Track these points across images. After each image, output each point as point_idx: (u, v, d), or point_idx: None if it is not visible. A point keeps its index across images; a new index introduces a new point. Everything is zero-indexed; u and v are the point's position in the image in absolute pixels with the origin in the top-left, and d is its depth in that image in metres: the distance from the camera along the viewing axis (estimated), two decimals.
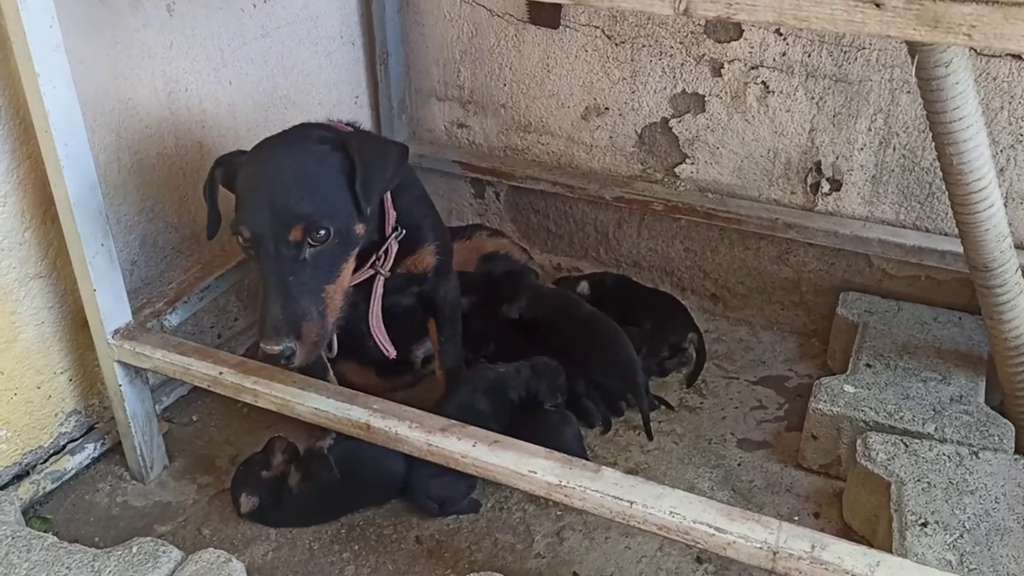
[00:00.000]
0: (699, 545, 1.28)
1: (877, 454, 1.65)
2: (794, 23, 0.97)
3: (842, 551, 1.21)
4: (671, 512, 1.29)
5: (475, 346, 2.03)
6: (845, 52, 1.98)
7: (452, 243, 1.90)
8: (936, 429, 1.71)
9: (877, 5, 0.92)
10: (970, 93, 1.48)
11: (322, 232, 1.43)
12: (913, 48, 1.45)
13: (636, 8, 1.04)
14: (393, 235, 1.64)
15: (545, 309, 2.09)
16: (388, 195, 1.64)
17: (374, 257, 1.62)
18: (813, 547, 1.22)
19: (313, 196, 1.44)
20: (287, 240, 1.42)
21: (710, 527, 1.27)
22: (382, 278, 1.63)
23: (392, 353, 1.67)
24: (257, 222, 1.43)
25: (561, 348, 1.99)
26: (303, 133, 1.57)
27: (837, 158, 2.10)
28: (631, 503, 1.31)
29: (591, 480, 1.35)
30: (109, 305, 1.64)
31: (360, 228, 1.51)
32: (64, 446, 1.82)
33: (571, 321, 2.04)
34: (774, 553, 1.23)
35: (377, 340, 1.65)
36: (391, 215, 1.64)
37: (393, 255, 1.64)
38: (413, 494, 1.74)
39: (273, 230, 1.42)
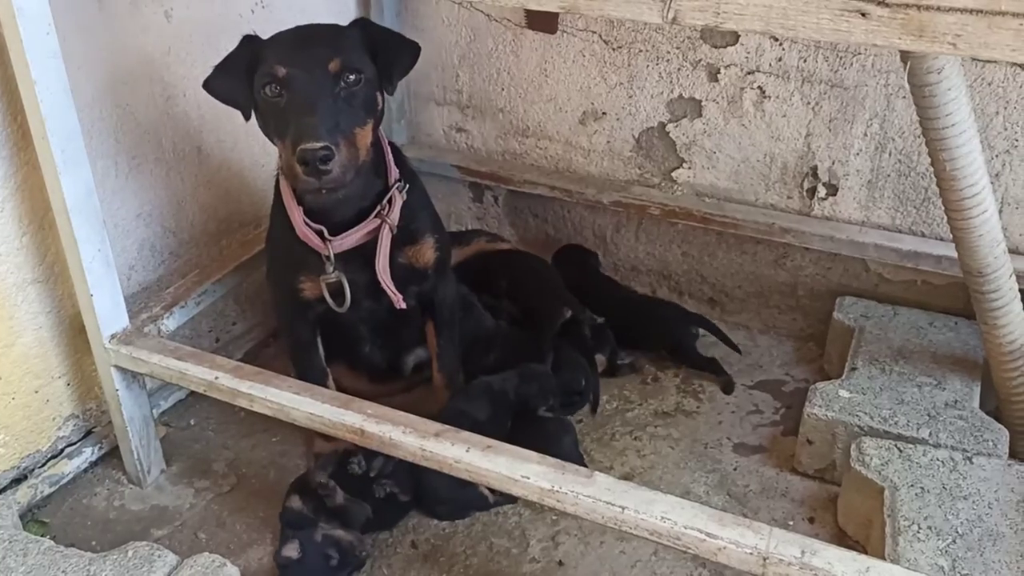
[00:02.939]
0: (690, 550, 1.29)
1: (871, 459, 1.65)
2: (781, 32, 0.97)
3: (832, 557, 1.22)
4: (662, 517, 1.29)
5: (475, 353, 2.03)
6: (841, 58, 1.99)
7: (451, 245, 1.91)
8: (930, 434, 1.71)
9: (863, 14, 0.92)
10: (963, 99, 1.48)
11: (354, 76, 1.49)
12: (905, 54, 1.45)
13: (625, 16, 1.05)
14: (396, 185, 1.66)
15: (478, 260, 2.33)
16: (389, 149, 1.68)
17: (379, 207, 1.63)
18: (803, 553, 1.22)
19: (346, 45, 1.52)
20: (324, 70, 1.47)
21: (701, 532, 1.27)
22: (388, 228, 1.64)
23: (402, 304, 1.68)
24: (293, 60, 1.48)
25: (500, 281, 2.24)
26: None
27: (833, 163, 2.10)
28: (623, 508, 1.31)
29: (583, 485, 1.35)
30: (106, 310, 1.65)
31: (379, 99, 1.57)
32: (62, 450, 1.83)
33: (496, 257, 2.32)
34: (764, 559, 1.23)
35: (385, 288, 1.65)
36: (393, 169, 1.67)
37: (398, 207, 1.65)
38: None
39: (309, 64, 1.47)
